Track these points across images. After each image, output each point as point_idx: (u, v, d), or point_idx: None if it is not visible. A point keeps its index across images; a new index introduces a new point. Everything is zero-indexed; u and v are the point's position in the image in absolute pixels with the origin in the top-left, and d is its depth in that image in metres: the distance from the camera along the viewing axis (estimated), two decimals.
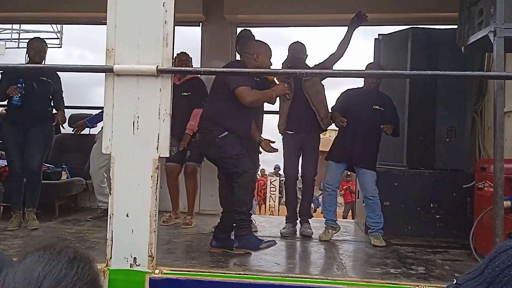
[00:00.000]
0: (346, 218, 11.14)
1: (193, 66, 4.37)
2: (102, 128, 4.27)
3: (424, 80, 4.02)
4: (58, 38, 14.84)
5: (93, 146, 4.28)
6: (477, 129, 4.19)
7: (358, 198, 4.59)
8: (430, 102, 4.10)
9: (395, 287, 2.40)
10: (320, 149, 4.08)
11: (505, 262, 0.55)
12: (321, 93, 3.89)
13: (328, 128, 4.05)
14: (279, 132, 3.96)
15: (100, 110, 4.45)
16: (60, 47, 15.07)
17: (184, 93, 4.07)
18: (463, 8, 3.17)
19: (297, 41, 4.03)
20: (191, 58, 4.32)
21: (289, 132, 3.89)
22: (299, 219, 3.92)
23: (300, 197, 4.08)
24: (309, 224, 3.85)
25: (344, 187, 11.31)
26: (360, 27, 4.51)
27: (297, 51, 3.94)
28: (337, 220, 3.81)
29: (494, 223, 2.47)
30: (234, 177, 3.03)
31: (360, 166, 3.73)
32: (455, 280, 0.64)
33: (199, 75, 4.29)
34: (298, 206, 4.03)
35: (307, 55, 4.00)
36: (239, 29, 5.10)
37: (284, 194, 4.26)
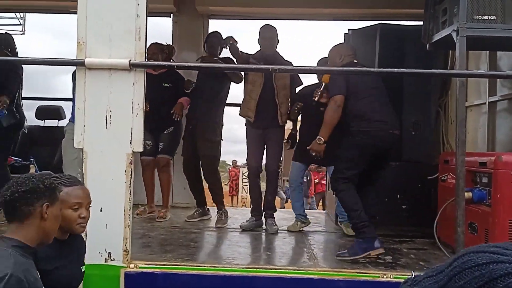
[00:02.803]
0: (317, 208, 11.36)
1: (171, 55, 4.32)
2: (69, 120, 4.21)
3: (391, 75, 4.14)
4: (21, 25, 14.32)
5: (62, 140, 4.17)
6: (441, 122, 4.36)
7: (329, 190, 4.70)
8: (397, 97, 4.22)
9: (364, 276, 2.51)
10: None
11: (465, 263, 0.53)
12: (287, 89, 3.85)
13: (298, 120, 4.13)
14: (243, 116, 3.89)
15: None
16: (23, 33, 14.56)
17: (165, 84, 4.06)
18: (428, 6, 3.28)
19: (267, 25, 3.91)
20: (167, 46, 4.27)
21: (252, 122, 3.84)
22: (263, 213, 3.88)
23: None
24: (274, 219, 3.81)
25: (314, 178, 11.50)
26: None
27: (265, 36, 3.86)
28: (307, 215, 3.90)
29: (456, 214, 2.61)
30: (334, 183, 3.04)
31: (328, 165, 3.84)
32: (412, 273, 0.64)
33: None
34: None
35: (278, 40, 3.92)
36: (210, 21, 5.10)
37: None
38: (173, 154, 4.15)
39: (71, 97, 4.09)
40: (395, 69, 3.10)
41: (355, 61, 3.36)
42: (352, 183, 3.01)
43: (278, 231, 3.71)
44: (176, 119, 3.97)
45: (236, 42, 3.80)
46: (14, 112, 3.74)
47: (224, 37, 4.02)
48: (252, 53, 3.90)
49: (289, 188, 4.09)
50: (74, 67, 2.85)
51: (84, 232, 2.41)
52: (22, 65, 3.91)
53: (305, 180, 10.27)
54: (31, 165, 4.49)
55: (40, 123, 5.01)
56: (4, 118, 3.64)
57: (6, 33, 4.18)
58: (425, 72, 3.32)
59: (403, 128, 4.19)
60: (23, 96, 4.28)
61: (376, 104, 3.17)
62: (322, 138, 3.16)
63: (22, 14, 14.04)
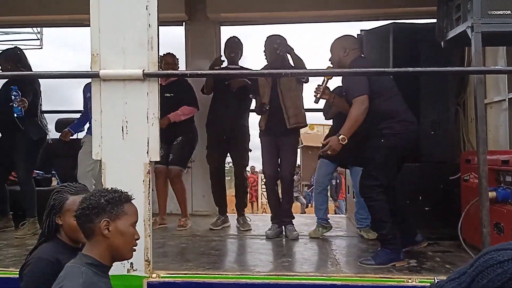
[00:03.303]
0: (345, 213, 11.16)
1: (179, 67, 4.37)
2: (87, 132, 4.26)
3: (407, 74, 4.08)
4: (38, 39, 14.59)
5: (79, 151, 4.22)
6: (461, 121, 4.27)
7: (349, 193, 4.64)
8: (414, 96, 4.14)
9: (388, 280, 2.46)
10: (308, 144, 4.11)
11: (487, 262, 0.53)
12: (294, 90, 3.79)
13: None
14: (259, 127, 3.92)
15: (81, 114, 4.39)
16: (41, 48, 14.83)
17: (167, 94, 4.05)
18: (441, 3, 3.22)
19: (276, 35, 3.90)
20: (177, 59, 4.31)
21: (265, 133, 3.85)
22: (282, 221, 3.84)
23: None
24: (293, 225, 3.79)
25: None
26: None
27: (278, 45, 3.81)
28: (329, 219, 3.84)
29: (480, 214, 2.54)
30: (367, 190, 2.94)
31: (355, 164, 3.70)
32: (435, 279, 0.63)
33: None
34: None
35: (285, 47, 3.84)
36: (222, 28, 5.11)
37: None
38: (184, 164, 4.17)
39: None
40: (411, 69, 3.04)
41: (362, 55, 3.24)
42: (385, 191, 2.94)
43: (299, 236, 3.68)
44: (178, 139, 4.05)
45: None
46: (40, 126, 3.81)
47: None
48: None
49: (314, 190, 3.93)
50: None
51: None
52: (39, 80, 3.96)
53: (333, 183, 10.05)
54: (53, 178, 4.54)
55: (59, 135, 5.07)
56: (35, 131, 3.71)
57: (15, 47, 4.24)
58: (441, 71, 3.25)
59: (422, 128, 4.12)
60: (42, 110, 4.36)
61: (403, 104, 3.10)
62: (345, 138, 2.94)
63: (39, 29, 14.36)
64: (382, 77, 3.13)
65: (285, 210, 3.85)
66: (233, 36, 4.25)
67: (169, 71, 3.94)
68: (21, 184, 3.76)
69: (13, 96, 3.55)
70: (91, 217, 1.53)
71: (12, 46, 4.43)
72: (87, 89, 4.09)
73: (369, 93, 2.99)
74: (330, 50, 3.27)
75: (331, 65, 3.26)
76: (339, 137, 2.95)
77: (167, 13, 4.75)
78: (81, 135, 4.68)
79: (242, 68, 4.13)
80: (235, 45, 4.15)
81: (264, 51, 3.90)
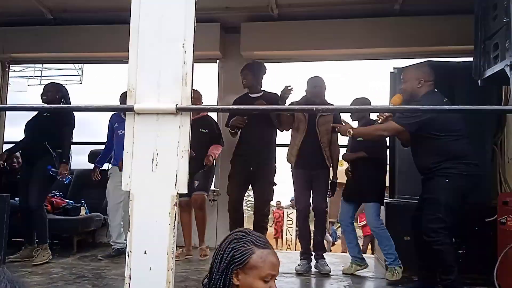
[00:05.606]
0: (365, 252, 10.88)
1: (203, 102, 4.47)
2: (112, 164, 4.38)
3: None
4: (79, 75, 15.35)
5: (107, 183, 4.32)
6: (498, 161, 4.12)
7: None
8: None
9: None
10: (338, 181, 4.06)
11: None
12: (329, 134, 3.87)
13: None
14: (288, 162, 3.93)
15: (104, 146, 4.53)
16: (81, 83, 15.56)
17: (202, 130, 4.16)
18: (478, 42, 3.18)
19: (316, 76, 4.01)
20: (201, 95, 4.42)
21: (298, 166, 3.86)
22: (313, 254, 3.83)
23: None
24: (325, 260, 3.77)
25: (363, 220, 11.05)
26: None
27: (315, 85, 3.93)
28: (363, 258, 3.81)
29: None
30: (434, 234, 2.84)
31: (363, 200, 3.77)
32: None
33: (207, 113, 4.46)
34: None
35: (325, 89, 3.99)
36: None
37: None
38: (208, 191, 4.26)
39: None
40: (446, 107, 2.97)
41: (436, 90, 3.14)
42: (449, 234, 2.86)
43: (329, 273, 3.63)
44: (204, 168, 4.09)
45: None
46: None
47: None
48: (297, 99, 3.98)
49: (341, 228, 4.01)
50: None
51: (129, 275, 2.42)
52: (74, 113, 4.11)
53: None
54: (81, 207, 4.64)
55: (91, 166, 5.21)
56: (55, 163, 3.85)
57: (59, 83, 4.42)
58: (477, 109, 3.16)
59: None
60: (76, 141, 4.49)
61: (470, 147, 3.03)
62: (352, 133, 3.26)
63: (80, 65, 15.13)
64: (451, 116, 3.04)
65: (318, 243, 3.84)
66: (251, 63, 4.31)
67: (201, 106, 4.01)
68: (33, 212, 3.81)
69: (53, 174, 3.80)
70: None
71: (57, 82, 4.66)
72: (114, 119, 4.25)
73: (432, 131, 2.95)
74: (403, 78, 3.21)
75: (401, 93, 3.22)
76: (349, 130, 3.24)
77: (202, 51, 4.93)
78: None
79: (265, 92, 4.12)
80: (251, 71, 4.15)
81: (306, 90, 3.98)
